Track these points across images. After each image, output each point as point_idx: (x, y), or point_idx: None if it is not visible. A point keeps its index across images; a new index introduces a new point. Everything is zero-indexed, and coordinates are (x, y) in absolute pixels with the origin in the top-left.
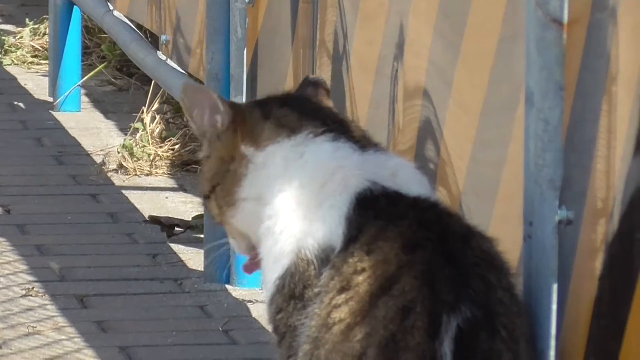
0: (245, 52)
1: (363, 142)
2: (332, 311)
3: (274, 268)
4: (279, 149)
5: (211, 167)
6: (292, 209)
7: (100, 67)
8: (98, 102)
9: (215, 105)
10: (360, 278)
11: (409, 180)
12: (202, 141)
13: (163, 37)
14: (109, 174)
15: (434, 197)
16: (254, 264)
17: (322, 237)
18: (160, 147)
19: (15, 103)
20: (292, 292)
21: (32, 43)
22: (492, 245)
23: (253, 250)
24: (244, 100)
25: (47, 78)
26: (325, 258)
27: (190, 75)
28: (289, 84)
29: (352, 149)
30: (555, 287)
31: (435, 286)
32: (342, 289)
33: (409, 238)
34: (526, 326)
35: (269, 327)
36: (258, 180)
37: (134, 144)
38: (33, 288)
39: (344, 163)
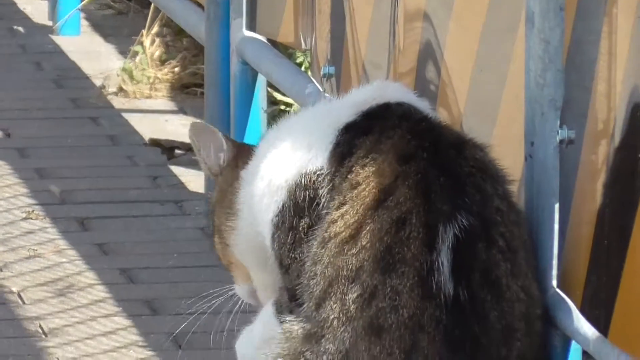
0: None
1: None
2: (328, 227)
3: (269, 208)
4: (265, 138)
5: (214, 200)
6: (279, 152)
7: None
8: (97, 26)
9: (220, 144)
10: (355, 192)
11: (397, 92)
12: (215, 181)
13: None
14: (109, 97)
15: (425, 107)
16: None
17: (309, 164)
18: (160, 70)
19: (15, 27)
20: (291, 224)
21: None
22: (485, 153)
23: (254, 294)
24: (244, 22)
25: (46, 2)
26: (316, 181)
27: None
28: (288, 6)
29: (333, 98)
30: (556, 207)
31: (431, 196)
32: (340, 205)
33: (402, 149)
34: (526, 234)
35: (276, 262)
36: (250, 181)
37: (133, 67)
38: (33, 211)
39: (328, 106)
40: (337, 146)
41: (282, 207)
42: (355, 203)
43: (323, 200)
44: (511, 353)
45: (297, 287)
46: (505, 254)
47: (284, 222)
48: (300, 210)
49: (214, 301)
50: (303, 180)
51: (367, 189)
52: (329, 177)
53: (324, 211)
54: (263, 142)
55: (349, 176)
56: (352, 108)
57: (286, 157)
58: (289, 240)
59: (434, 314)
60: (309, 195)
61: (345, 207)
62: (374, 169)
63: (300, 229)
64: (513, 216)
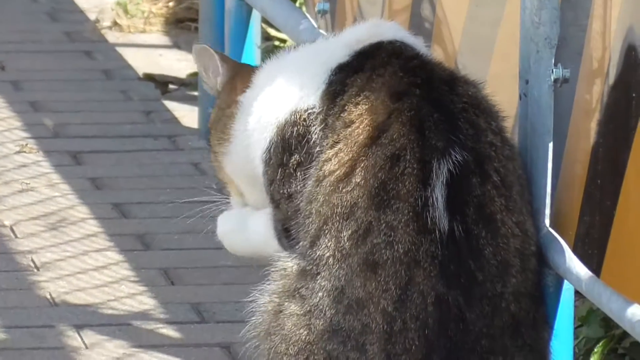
0: None
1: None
2: (322, 166)
3: (258, 143)
4: (263, 69)
5: (212, 120)
6: (272, 89)
7: None
8: None
9: (216, 67)
10: (348, 130)
11: (391, 30)
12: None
13: None
14: (103, 31)
15: (419, 45)
16: None
17: (300, 102)
18: (155, 4)
19: None
20: (280, 161)
21: None
22: (478, 89)
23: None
24: None
25: None
26: (307, 119)
27: None
28: None
29: (327, 36)
30: (550, 145)
31: (424, 132)
32: (334, 144)
33: (394, 86)
34: (520, 169)
35: (268, 197)
36: (246, 111)
37: (128, 1)
38: (27, 144)
39: (323, 45)
40: (330, 85)
41: (270, 143)
42: (349, 141)
43: (314, 137)
44: (506, 289)
45: (291, 225)
46: (500, 189)
47: (271, 158)
48: (289, 147)
49: (207, 211)
50: (293, 117)
51: (360, 126)
52: (321, 115)
53: (317, 149)
54: (261, 74)
55: (342, 115)
56: (345, 48)
57: (278, 95)
58: (278, 177)
59: (429, 249)
60: (297, 131)
61: (339, 146)
62: (367, 106)
63: (290, 165)
64: (507, 151)
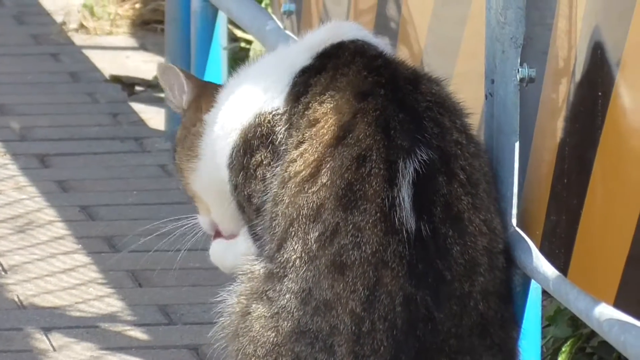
0: None
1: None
2: (288, 166)
3: (223, 150)
4: (226, 86)
5: (177, 139)
6: (235, 97)
7: None
8: None
9: (181, 85)
10: (313, 130)
11: (352, 31)
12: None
13: None
14: (70, 34)
15: (382, 44)
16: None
17: (265, 105)
18: (121, 6)
19: None
20: (241, 165)
21: None
22: (441, 87)
23: (214, 225)
24: None
25: None
26: (272, 120)
27: None
28: None
29: (290, 43)
30: (517, 145)
31: (390, 132)
32: (299, 144)
33: (359, 86)
34: (487, 167)
35: (234, 204)
36: (211, 125)
37: (94, 3)
38: None
39: (285, 51)
40: (294, 87)
41: (232, 148)
42: (315, 141)
43: (280, 137)
44: (474, 288)
45: (257, 230)
46: (466, 188)
47: (233, 163)
48: (250, 148)
49: (174, 232)
50: (257, 120)
51: (325, 126)
52: (285, 116)
53: (282, 148)
54: (224, 90)
55: (306, 112)
56: (307, 52)
57: (241, 102)
58: (240, 180)
59: (397, 249)
60: (261, 132)
61: (304, 146)
62: (331, 105)
63: (250, 166)
64: (472, 148)
